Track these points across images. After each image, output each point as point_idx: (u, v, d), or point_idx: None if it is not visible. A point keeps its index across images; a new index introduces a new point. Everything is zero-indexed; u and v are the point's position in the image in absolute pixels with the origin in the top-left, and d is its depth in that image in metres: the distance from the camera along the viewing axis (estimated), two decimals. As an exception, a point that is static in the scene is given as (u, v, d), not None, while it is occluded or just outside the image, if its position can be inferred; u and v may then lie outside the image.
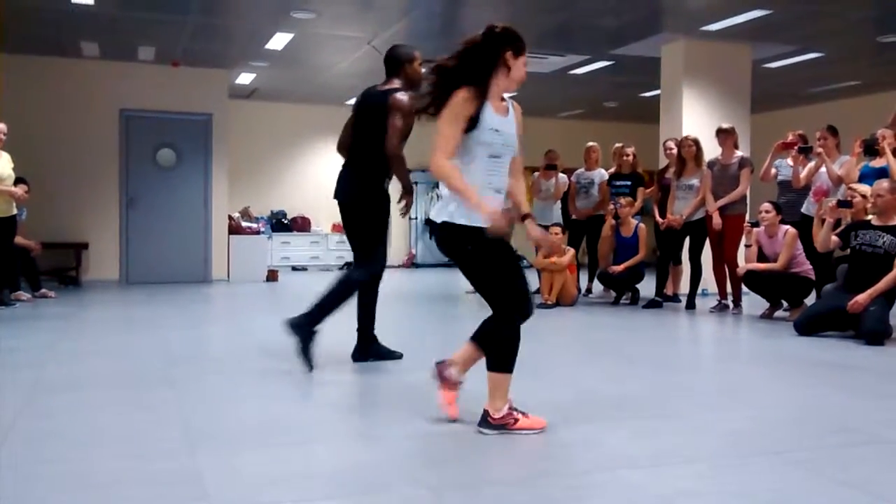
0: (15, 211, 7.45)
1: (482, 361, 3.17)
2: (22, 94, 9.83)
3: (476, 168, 3.06)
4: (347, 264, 13.53)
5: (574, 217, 8.74)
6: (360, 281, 4.57)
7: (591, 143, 8.82)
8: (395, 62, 4.62)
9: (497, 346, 3.12)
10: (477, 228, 3.01)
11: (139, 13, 8.20)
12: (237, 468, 2.66)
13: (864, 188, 6.22)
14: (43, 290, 8.30)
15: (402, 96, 4.45)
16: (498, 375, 3.10)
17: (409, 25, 8.47)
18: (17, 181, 7.51)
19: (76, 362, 4.65)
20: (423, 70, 4.29)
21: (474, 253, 3.08)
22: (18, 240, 7.76)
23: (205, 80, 10.85)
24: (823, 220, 6.12)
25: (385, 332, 4.80)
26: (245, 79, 11.54)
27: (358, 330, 4.74)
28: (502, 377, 3.10)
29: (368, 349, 4.74)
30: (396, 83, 4.58)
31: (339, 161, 4.83)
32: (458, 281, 11.16)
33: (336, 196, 4.68)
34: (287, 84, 11.95)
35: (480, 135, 3.03)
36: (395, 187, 4.51)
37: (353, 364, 4.70)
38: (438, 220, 3.12)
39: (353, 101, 4.96)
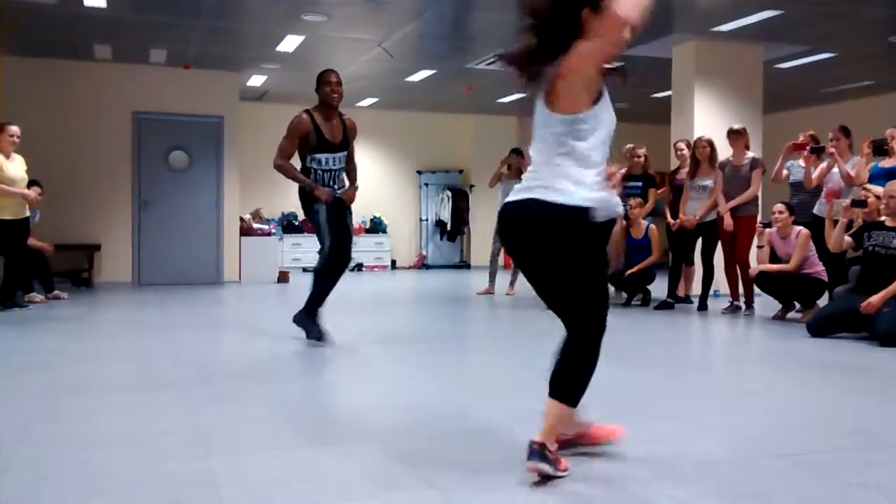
0: (28, 213, 7.49)
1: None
2: (35, 97, 9.91)
3: (598, 146, 2.68)
4: (359, 265, 13.58)
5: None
6: (319, 269, 5.33)
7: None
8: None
9: (576, 371, 2.54)
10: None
11: (151, 16, 8.24)
12: (249, 470, 2.66)
13: (878, 189, 6.19)
14: (56, 292, 8.36)
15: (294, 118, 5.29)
16: (564, 408, 2.54)
17: (419, 27, 8.48)
18: (31, 184, 7.56)
19: (89, 364, 4.67)
20: (330, 91, 5.18)
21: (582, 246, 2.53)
22: (31, 242, 7.81)
23: (216, 82, 10.91)
24: (836, 221, 6.09)
25: (400, 334, 4.80)
26: (256, 81, 11.59)
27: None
28: (567, 410, 2.55)
29: (302, 318, 5.38)
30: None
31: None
32: (467, 282, 11.16)
33: None
34: (298, 86, 11.95)
35: (603, 112, 2.72)
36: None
37: (365, 366, 4.73)
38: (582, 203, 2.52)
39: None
